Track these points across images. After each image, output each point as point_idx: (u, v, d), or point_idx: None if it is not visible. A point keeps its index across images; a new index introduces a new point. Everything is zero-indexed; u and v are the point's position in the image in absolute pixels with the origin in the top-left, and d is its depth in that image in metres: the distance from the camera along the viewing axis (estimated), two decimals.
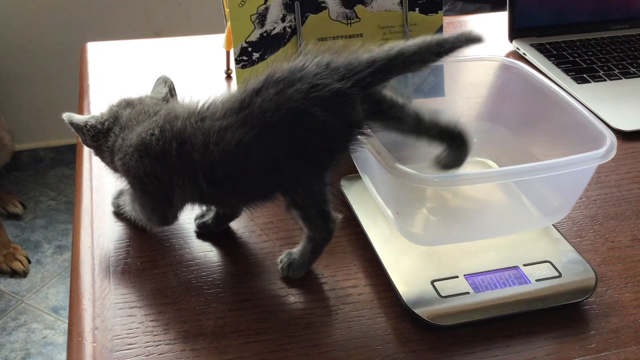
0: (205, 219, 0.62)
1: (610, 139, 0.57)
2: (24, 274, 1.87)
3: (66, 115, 0.58)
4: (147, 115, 0.56)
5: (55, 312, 1.77)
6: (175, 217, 0.58)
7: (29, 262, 1.91)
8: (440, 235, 0.61)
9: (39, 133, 2.27)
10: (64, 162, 2.31)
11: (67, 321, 1.92)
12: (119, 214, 0.64)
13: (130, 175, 0.56)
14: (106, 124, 0.57)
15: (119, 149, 0.56)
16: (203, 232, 0.62)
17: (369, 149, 0.54)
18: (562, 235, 0.62)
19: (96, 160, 0.63)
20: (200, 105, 0.54)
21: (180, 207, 0.57)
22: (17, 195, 2.14)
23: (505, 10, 1.02)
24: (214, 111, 0.52)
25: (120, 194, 0.64)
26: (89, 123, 0.58)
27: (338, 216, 0.56)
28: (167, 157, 0.53)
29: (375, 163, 0.55)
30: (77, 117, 0.58)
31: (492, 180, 0.59)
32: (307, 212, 0.55)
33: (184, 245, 0.61)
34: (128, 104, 0.59)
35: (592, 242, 0.64)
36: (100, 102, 0.83)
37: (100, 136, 0.58)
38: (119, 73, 0.91)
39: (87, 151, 0.72)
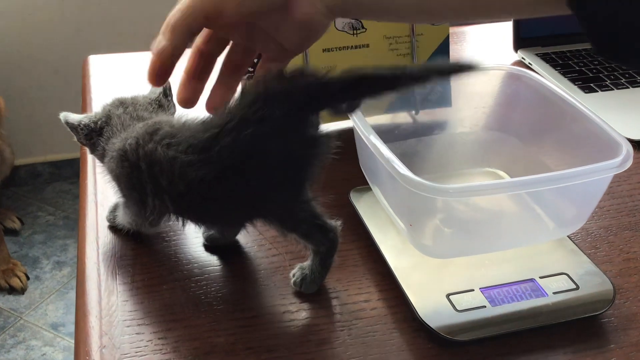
0: (213, 231, 0.61)
1: (626, 147, 0.56)
2: (21, 291, 1.85)
3: (63, 115, 0.59)
4: (133, 120, 0.57)
5: (54, 329, 1.75)
6: (157, 222, 0.56)
7: (28, 278, 1.89)
8: (455, 247, 0.59)
9: (37, 148, 2.25)
10: (62, 177, 2.30)
11: (66, 338, 1.89)
12: (113, 227, 0.63)
13: (114, 177, 0.56)
14: (99, 123, 0.58)
15: (107, 151, 0.57)
16: (212, 245, 0.61)
17: (381, 160, 0.53)
18: (578, 246, 0.61)
19: (100, 174, 0.62)
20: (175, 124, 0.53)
21: (159, 216, 0.56)
22: (15, 211, 2.12)
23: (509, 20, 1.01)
24: (179, 142, 0.50)
25: (115, 207, 0.63)
26: (83, 122, 0.59)
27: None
28: (141, 172, 0.52)
29: (387, 174, 0.53)
30: (73, 117, 0.60)
31: (511, 190, 0.57)
32: (300, 232, 0.54)
33: (192, 260, 0.60)
34: (121, 103, 0.60)
35: (608, 253, 0.63)
36: None
37: (93, 135, 0.59)
38: (121, 85, 0.90)
39: (90, 165, 0.71)
